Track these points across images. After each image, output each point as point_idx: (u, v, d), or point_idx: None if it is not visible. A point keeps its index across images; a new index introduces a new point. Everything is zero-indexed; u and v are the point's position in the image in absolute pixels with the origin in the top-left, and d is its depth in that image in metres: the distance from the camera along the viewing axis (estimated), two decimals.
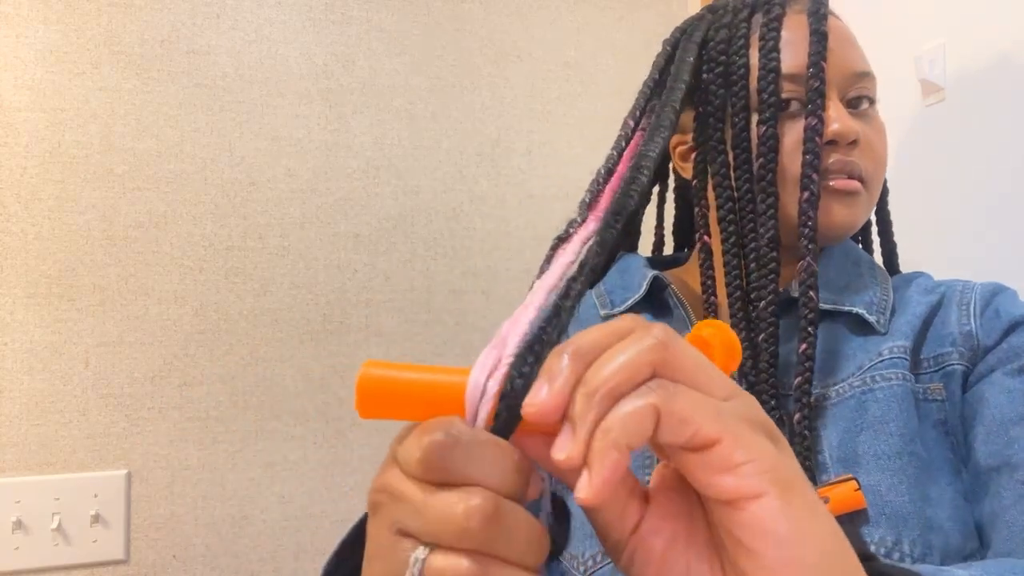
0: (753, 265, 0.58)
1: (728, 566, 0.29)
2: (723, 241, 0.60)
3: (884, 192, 0.71)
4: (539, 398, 0.27)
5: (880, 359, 0.55)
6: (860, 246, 0.72)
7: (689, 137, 0.65)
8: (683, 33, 0.64)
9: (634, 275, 0.67)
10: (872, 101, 0.62)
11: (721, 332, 0.33)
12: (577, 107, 1.30)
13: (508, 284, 1.24)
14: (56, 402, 1.03)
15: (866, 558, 0.33)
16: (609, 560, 0.57)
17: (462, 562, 0.27)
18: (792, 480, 0.28)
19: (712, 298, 0.60)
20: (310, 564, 1.12)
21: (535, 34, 1.29)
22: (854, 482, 0.49)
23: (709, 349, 0.33)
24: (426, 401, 0.29)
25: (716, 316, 0.60)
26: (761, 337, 0.56)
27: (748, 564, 0.27)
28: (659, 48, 0.65)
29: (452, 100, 1.23)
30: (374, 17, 1.20)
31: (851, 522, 0.49)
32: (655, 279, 0.65)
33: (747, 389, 0.56)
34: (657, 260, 0.74)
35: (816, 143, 0.57)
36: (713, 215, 0.63)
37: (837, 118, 0.58)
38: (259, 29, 1.14)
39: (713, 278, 0.61)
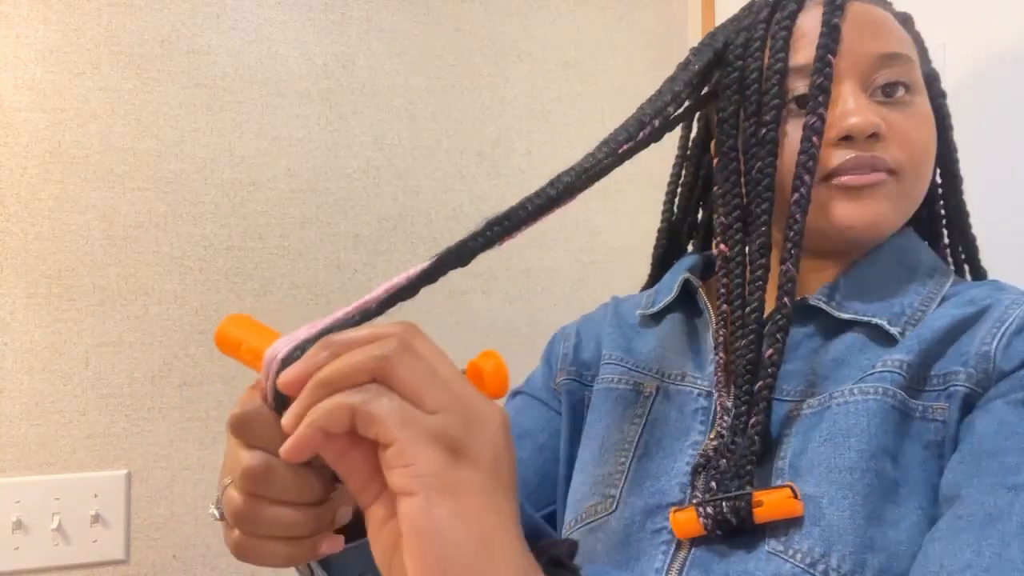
0: (750, 273, 0.56)
1: None
2: (729, 248, 0.58)
3: (956, 181, 0.66)
4: (287, 373, 0.36)
5: (871, 372, 0.52)
6: (948, 242, 0.67)
7: None
8: (710, 37, 0.62)
9: (677, 276, 0.67)
10: (908, 87, 0.57)
11: (494, 363, 0.40)
12: (577, 107, 1.30)
13: (508, 284, 1.24)
14: (56, 402, 1.03)
15: (556, 565, 0.40)
16: (580, 524, 0.59)
17: (239, 498, 0.38)
18: (450, 488, 0.34)
19: (724, 306, 0.59)
20: None
21: (535, 34, 1.29)
22: (789, 489, 0.48)
23: (480, 377, 0.39)
24: (252, 356, 0.39)
25: (726, 324, 0.59)
26: (743, 344, 0.54)
27: (404, 548, 0.34)
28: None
29: (452, 100, 1.23)
30: (374, 17, 1.20)
31: (786, 529, 0.48)
32: (686, 282, 0.65)
33: (734, 394, 0.55)
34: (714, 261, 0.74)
35: (813, 143, 0.54)
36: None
37: (854, 111, 0.54)
38: (259, 29, 1.14)
39: (726, 285, 0.59)
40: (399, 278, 0.42)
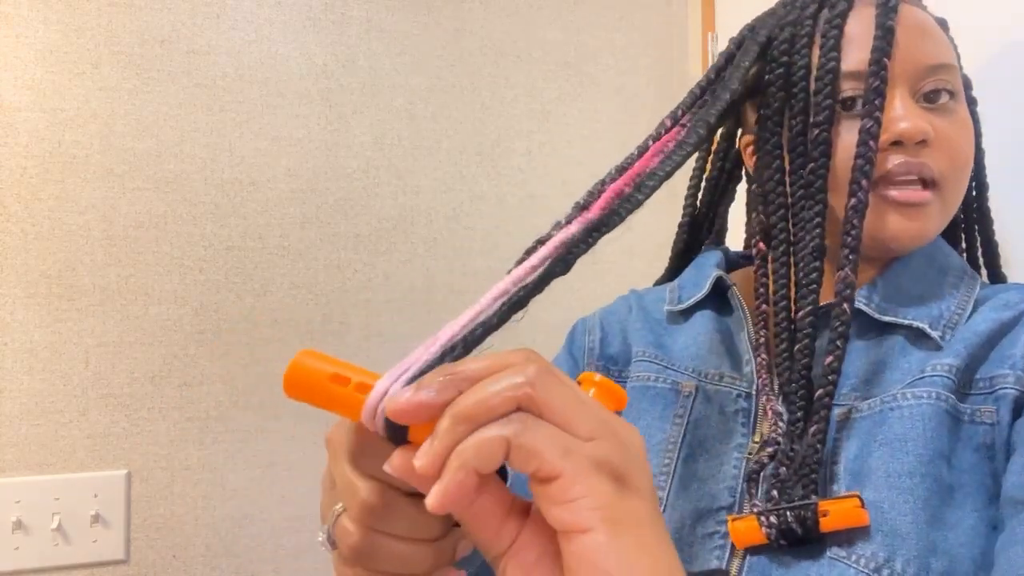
0: (801, 275, 0.56)
1: None
2: (773, 249, 0.58)
3: (983, 187, 0.67)
4: (399, 399, 0.32)
5: (920, 376, 0.52)
6: (965, 246, 0.68)
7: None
8: (751, 31, 0.61)
9: (705, 272, 0.66)
10: (952, 94, 0.57)
11: (601, 383, 0.37)
12: (577, 107, 1.30)
13: None
14: (56, 402, 1.03)
15: None
16: None
17: (355, 530, 0.35)
18: (625, 519, 0.31)
19: (763, 306, 0.58)
20: (310, 564, 1.12)
21: (535, 34, 1.29)
22: (856, 499, 0.48)
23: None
24: (337, 399, 0.33)
25: (766, 325, 0.58)
26: (796, 348, 0.54)
27: None
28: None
29: (452, 100, 1.23)
30: (374, 17, 1.20)
31: (848, 534, 0.48)
32: (718, 279, 0.65)
33: (782, 400, 0.55)
34: (738, 257, 0.73)
35: (870, 147, 0.53)
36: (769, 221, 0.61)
37: (905, 116, 0.54)
38: (259, 29, 1.14)
39: (766, 286, 0.59)
40: (505, 284, 0.38)
